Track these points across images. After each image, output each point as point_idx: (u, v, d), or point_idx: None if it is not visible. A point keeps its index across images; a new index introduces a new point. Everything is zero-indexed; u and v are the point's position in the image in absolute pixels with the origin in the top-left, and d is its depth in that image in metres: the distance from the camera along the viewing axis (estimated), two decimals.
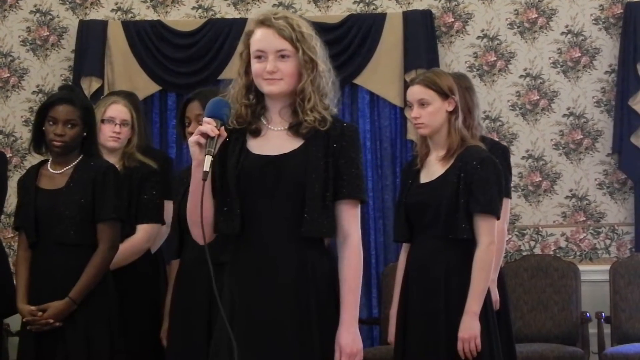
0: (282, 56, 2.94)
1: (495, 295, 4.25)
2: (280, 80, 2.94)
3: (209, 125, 2.82)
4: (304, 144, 2.96)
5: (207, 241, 2.90)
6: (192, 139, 2.84)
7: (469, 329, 3.80)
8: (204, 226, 2.84)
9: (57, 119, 4.10)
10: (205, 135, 2.82)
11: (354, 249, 2.97)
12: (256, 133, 2.99)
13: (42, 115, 4.14)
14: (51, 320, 3.99)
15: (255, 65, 2.95)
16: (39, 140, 4.16)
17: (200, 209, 2.81)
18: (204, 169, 2.78)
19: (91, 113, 4.20)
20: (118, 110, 4.53)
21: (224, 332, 2.87)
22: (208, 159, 2.79)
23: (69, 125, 4.10)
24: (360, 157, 3.00)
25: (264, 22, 2.96)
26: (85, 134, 4.14)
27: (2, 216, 4.90)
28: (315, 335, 2.91)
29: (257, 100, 3.01)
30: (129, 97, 4.78)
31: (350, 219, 2.97)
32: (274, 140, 2.98)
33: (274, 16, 2.96)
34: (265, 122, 3.01)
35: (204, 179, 2.79)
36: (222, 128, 2.85)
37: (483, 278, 3.85)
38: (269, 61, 2.93)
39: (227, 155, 2.97)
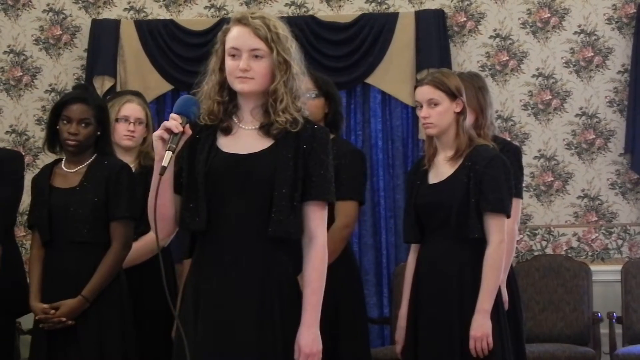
0: (256, 56, 2.94)
1: (505, 295, 4.25)
2: (252, 80, 2.94)
3: (174, 122, 2.83)
4: (274, 144, 2.96)
5: (166, 236, 2.99)
6: (155, 134, 2.85)
7: (481, 327, 3.81)
8: (161, 221, 2.88)
9: (71, 118, 4.11)
10: (169, 130, 2.83)
11: (319, 251, 2.96)
12: (227, 131, 3.00)
13: (56, 114, 4.15)
14: (64, 319, 3.99)
15: (229, 63, 2.96)
16: (53, 140, 4.17)
17: (154, 203, 2.84)
18: (163, 164, 2.79)
19: (105, 112, 4.21)
20: (132, 109, 4.54)
21: (183, 337, 2.87)
22: (168, 155, 2.80)
23: (83, 124, 4.11)
24: (330, 160, 2.99)
25: (240, 21, 2.97)
26: (99, 133, 4.15)
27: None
28: (278, 337, 2.91)
29: (229, 98, 3.01)
30: (139, 95, 4.78)
31: (317, 220, 2.97)
32: (244, 140, 2.98)
33: (251, 15, 2.97)
34: (236, 121, 3.01)
35: (161, 174, 2.80)
36: (187, 126, 2.85)
37: (494, 276, 3.86)
38: (242, 59, 2.93)
39: (196, 151, 2.97)
